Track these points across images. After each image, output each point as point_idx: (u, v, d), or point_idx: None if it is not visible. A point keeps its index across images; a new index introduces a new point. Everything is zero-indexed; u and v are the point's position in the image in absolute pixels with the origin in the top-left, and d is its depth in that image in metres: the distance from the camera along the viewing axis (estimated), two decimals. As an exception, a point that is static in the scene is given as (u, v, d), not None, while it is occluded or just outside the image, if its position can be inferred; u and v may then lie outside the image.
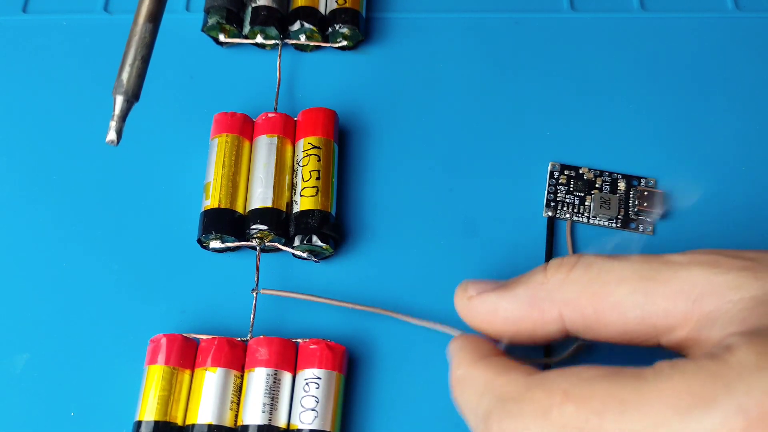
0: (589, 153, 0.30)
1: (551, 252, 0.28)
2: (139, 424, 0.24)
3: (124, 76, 0.21)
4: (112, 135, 0.21)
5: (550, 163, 0.29)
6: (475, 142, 0.30)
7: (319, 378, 0.24)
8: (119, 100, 0.21)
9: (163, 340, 0.25)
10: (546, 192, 0.29)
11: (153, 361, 0.25)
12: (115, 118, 0.21)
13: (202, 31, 0.31)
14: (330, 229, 0.27)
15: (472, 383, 0.20)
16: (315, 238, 0.27)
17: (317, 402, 0.24)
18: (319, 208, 0.27)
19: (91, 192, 0.29)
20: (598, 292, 0.20)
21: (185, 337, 0.25)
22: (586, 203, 0.28)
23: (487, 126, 0.30)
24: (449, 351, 0.22)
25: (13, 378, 0.26)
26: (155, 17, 0.21)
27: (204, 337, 0.26)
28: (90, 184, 0.29)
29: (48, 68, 0.32)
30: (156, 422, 0.24)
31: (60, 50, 0.32)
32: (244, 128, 0.29)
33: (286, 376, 0.25)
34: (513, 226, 0.28)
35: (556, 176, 0.29)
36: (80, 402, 0.26)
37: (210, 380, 0.24)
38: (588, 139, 0.30)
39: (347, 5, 0.31)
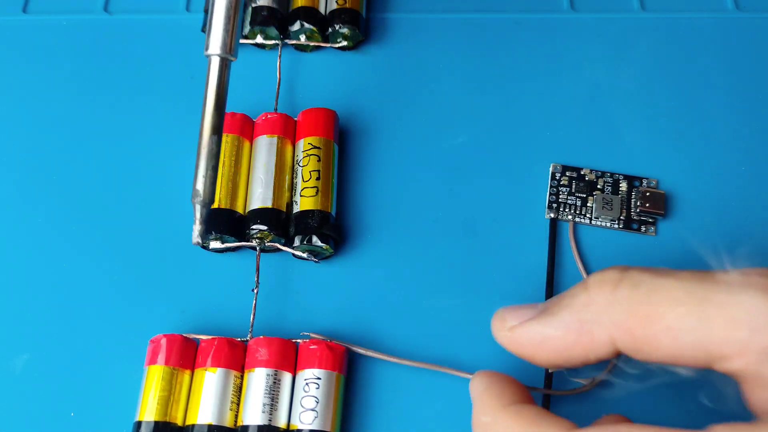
0: (590, 154, 0.30)
1: (554, 253, 0.28)
2: (139, 424, 0.24)
3: (200, 186, 0.23)
4: (197, 239, 0.23)
5: (551, 165, 0.29)
6: (475, 143, 0.30)
7: (319, 378, 0.24)
8: (198, 208, 0.23)
9: (163, 341, 0.25)
10: (548, 193, 0.29)
11: (153, 361, 0.25)
12: (198, 223, 0.23)
13: (202, 31, 0.31)
14: (330, 229, 0.27)
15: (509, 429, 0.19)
16: (315, 239, 0.27)
17: (317, 402, 0.24)
18: (319, 209, 0.27)
19: (90, 192, 0.29)
20: (650, 315, 0.19)
21: (185, 337, 0.25)
22: (588, 204, 0.28)
23: (487, 126, 0.30)
24: (472, 390, 0.21)
25: (13, 378, 0.26)
26: (218, 129, 0.23)
27: (204, 337, 0.26)
28: (90, 184, 0.29)
29: (48, 68, 0.32)
30: (156, 422, 0.24)
31: (60, 50, 0.32)
32: (244, 128, 0.29)
33: (286, 377, 0.25)
34: (514, 227, 0.28)
35: (557, 177, 0.29)
36: (80, 402, 0.26)
37: (210, 380, 0.24)
38: (589, 139, 0.30)
39: (347, 5, 0.31)
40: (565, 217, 0.28)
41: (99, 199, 0.29)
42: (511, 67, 0.32)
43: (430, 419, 0.25)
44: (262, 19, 0.31)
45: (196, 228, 0.23)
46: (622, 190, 0.29)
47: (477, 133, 0.30)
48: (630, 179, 0.29)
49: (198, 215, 0.23)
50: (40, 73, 0.32)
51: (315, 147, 0.28)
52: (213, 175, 0.23)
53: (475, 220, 0.28)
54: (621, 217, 0.28)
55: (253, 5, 0.31)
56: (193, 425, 0.24)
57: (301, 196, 0.27)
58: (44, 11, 0.33)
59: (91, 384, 0.26)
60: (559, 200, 0.28)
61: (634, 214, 0.28)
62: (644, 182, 0.29)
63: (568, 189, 0.29)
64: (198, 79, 0.31)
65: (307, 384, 0.24)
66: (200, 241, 0.23)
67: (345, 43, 0.31)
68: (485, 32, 0.32)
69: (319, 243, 0.27)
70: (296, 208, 0.27)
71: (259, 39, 0.31)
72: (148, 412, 0.24)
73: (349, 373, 0.26)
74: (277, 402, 0.24)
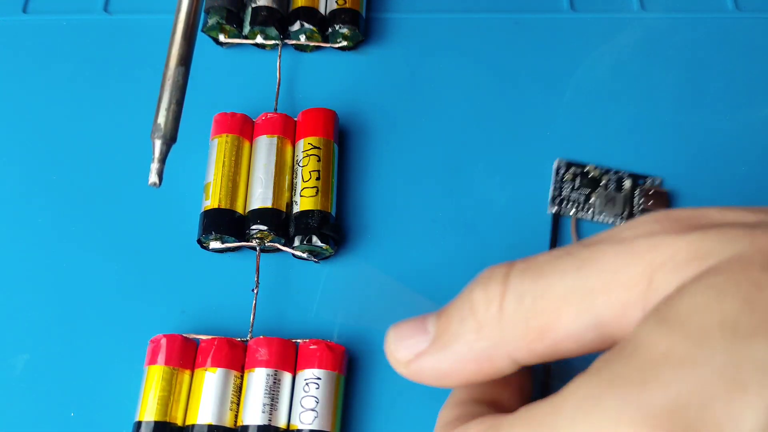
0: (591, 152, 0.30)
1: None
2: (139, 424, 0.24)
3: (161, 120, 0.21)
4: (154, 178, 0.21)
5: (556, 160, 0.29)
6: (475, 142, 0.30)
7: (319, 378, 0.24)
8: (158, 143, 0.21)
9: (163, 341, 0.25)
10: (551, 189, 0.29)
11: (153, 361, 0.25)
12: (156, 160, 0.21)
13: (202, 31, 0.31)
14: (330, 229, 0.27)
15: None
16: (315, 239, 0.27)
17: (317, 402, 0.24)
18: (319, 209, 0.27)
19: (90, 192, 0.29)
20: (542, 328, 0.17)
21: (185, 337, 0.25)
22: (591, 200, 0.28)
23: (487, 126, 0.30)
24: None
25: (13, 378, 0.26)
26: (186, 60, 0.21)
27: (204, 337, 0.26)
28: (89, 184, 0.30)
29: (48, 68, 0.32)
30: (156, 423, 0.24)
31: (60, 50, 0.32)
32: (244, 128, 0.29)
33: (286, 377, 0.25)
34: (515, 226, 0.28)
35: (561, 173, 0.29)
36: (80, 402, 0.26)
37: (210, 380, 0.24)
38: (590, 138, 0.30)
39: (347, 5, 0.31)
40: (567, 213, 0.28)
41: (99, 199, 0.29)
42: (511, 67, 0.32)
43: (430, 419, 0.25)
44: (262, 19, 0.31)
45: (154, 166, 0.21)
46: (625, 188, 0.28)
47: (477, 132, 0.30)
48: (634, 177, 0.29)
49: (157, 152, 0.21)
50: (40, 73, 0.32)
51: (315, 147, 0.28)
52: (177, 109, 0.21)
53: (475, 220, 0.28)
54: (623, 214, 0.28)
55: (253, 5, 0.31)
56: (193, 425, 0.24)
57: (301, 196, 0.27)
58: (44, 11, 0.33)
59: (91, 384, 0.26)
60: (562, 194, 0.28)
61: (636, 212, 0.28)
62: (648, 180, 0.29)
63: (571, 185, 0.28)
64: (198, 79, 0.31)
65: (307, 384, 0.24)
66: (157, 181, 0.21)
67: (345, 43, 0.32)
68: (485, 32, 0.32)
69: (319, 243, 0.27)
70: (296, 208, 0.27)
71: (259, 39, 0.31)
72: (148, 412, 0.24)
73: (349, 373, 0.26)
74: (277, 402, 0.24)
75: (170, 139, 0.21)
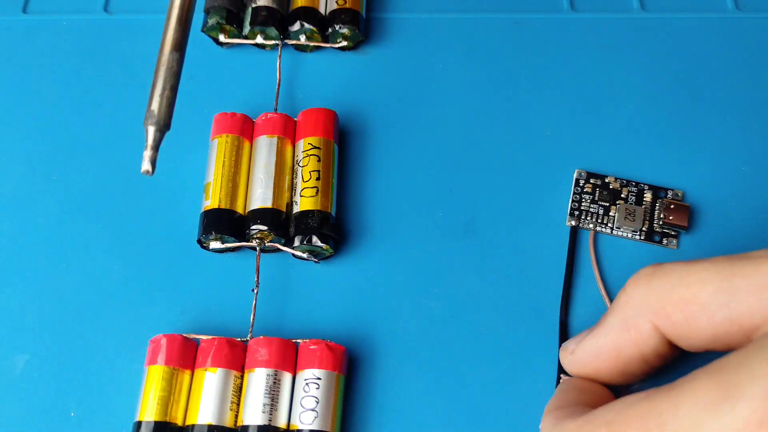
0: (591, 154, 0.30)
1: (573, 262, 0.27)
2: (139, 424, 0.24)
3: (155, 106, 0.21)
4: (146, 165, 0.20)
5: (576, 171, 0.29)
6: (475, 142, 0.30)
7: (319, 378, 0.24)
8: (151, 130, 0.21)
9: (163, 341, 0.25)
10: (570, 200, 0.28)
11: (153, 361, 0.25)
12: (149, 148, 0.21)
13: (202, 31, 0.31)
14: (330, 229, 0.27)
15: None
16: (315, 239, 0.27)
17: (317, 402, 0.24)
18: (318, 209, 0.27)
19: (91, 192, 0.29)
20: (684, 297, 0.20)
21: (185, 337, 0.25)
22: (611, 213, 0.28)
23: (486, 126, 0.30)
24: None
25: (13, 378, 0.26)
26: (181, 46, 0.21)
27: (204, 337, 0.26)
28: (90, 184, 0.30)
29: (48, 68, 0.32)
30: (156, 423, 0.24)
31: (60, 50, 0.32)
32: (244, 128, 0.29)
33: (286, 377, 0.25)
34: (515, 228, 0.28)
35: (581, 184, 0.28)
36: (80, 402, 0.26)
37: (210, 381, 0.24)
38: (588, 139, 0.30)
39: (347, 5, 0.31)
40: (586, 226, 0.28)
41: (99, 199, 0.29)
42: (511, 67, 0.32)
43: (430, 419, 0.25)
44: (262, 19, 0.31)
45: (147, 154, 0.21)
46: (646, 201, 0.28)
47: (476, 132, 0.30)
48: (655, 189, 0.28)
49: (150, 139, 0.21)
50: (40, 73, 0.32)
51: (315, 147, 0.28)
52: (171, 96, 0.21)
53: (476, 220, 0.28)
54: (643, 229, 0.28)
55: (253, 5, 0.31)
56: (193, 425, 0.24)
57: (301, 196, 0.27)
58: (44, 11, 0.33)
59: (91, 384, 0.26)
60: (581, 208, 0.28)
61: (656, 225, 0.28)
62: (670, 193, 0.28)
63: (591, 196, 0.28)
64: (198, 79, 0.31)
65: (307, 384, 0.24)
66: (150, 168, 0.21)
67: (345, 43, 0.31)
68: (485, 32, 0.32)
69: (319, 243, 0.27)
70: (296, 209, 0.27)
71: (259, 39, 0.31)
72: (148, 412, 0.24)
73: (349, 373, 0.26)
74: (277, 402, 0.24)
75: (164, 126, 0.21)
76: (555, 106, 0.31)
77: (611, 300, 0.26)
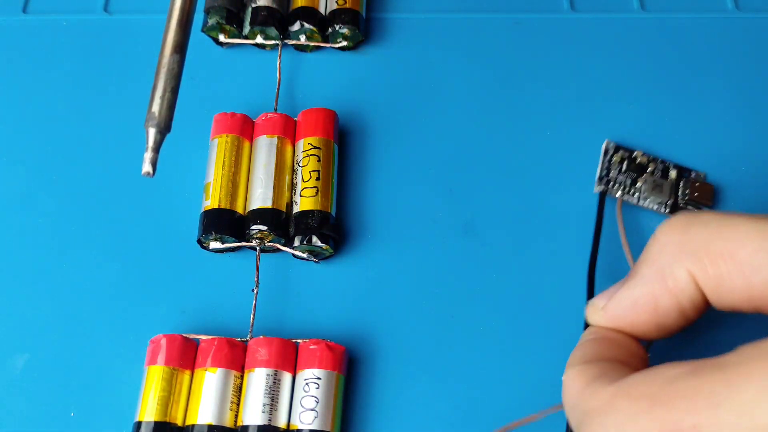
0: (592, 154, 0.30)
1: (600, 229, 0.27)
2: (139, 424, 0.24)
3: (155, 108, 0.21)
4: (147, 167, 0.20)
5: (605, 141, 0.29)
6: (475, 142, 0.30)
7: (319, 378, 0.24)
8: (152, 132, 0.21)
9: (163, 341, 0.25)
10: (599, 168, 0.28)
11: (153, 361, 0.25)
12: (149, 149, 0.21)
13: (202, 31, 0.31)
14: (330, 229, 0.27)
15: (567, 392, 0.20)
16: (315, 239, 0.27)
17: (317, 402, 0.24)
18: (318, 209, 0.27)
19: (90, 192, 0.29)
20: (722, 252, 0.18)
21: (185, 337, 0.25)
22: (638, 185, 0.28)
23: (486, 126, 0.30)
24: None
25: (13, 378, 0.26)
26: (181, 48, 0.21)
27: (204, 337, 0.26)
28: (90, 184, 0.30)
29: (48, 68, 0.32)
30: (156, 423, 0.24)
31: (60, 50, 0.32)
32: (244, 128, 0.29)
33: (286, 377, 0.25)
34: (514, 227, 0.28)
35: (609, 155, 0.28)
36: (80, 402, 0.26)
37: (210, 381, 0.24)
38: (588, 139, 0.30)
39: (347, 5, 0.31)
40: (613, 194, 0.28)
41: (99, 199, 0.29)
42: (511, 67, 0.32)
43: (430, 419, 0.25)
44: (262, 19, 0.31)
45: (148, 155, 0.21)
46: (671, 177, 0.28)
47: (476, 132, 0.30)
48: (680, 169, 0.29)
49: (151, 141, 0.21)
50: (40, 73, 0.32)
51: (315, 147, 0.28)
52: (172, 98, 0.21)
53: (475, 220, 0.28)
54: (668, 202, 0.28)
55: (253, 5, 0.31)
56: (193, 425, 0.24)
57: (301, 196, 0.27)
58: (44, 11, 0.33)
59: (91, 384, 0.26)
60: (609, 175, 0.28)
61: (681, 201, 0.28)
62: (693, 174, 0.29)
63: (619, 168, 0.28)
64: (198, 79, 0.31)
65: (307, 384, 0.24)
66: (151, 170, 0.21)
67: (345, 43, 0.31)
68: (485, 32, 0.32)
69: (319, 243, 0.27)
70: (296, 209, 0.27)
71: (259, 39, 0.31)
72: (148, 412, 0.24)
73: (349, 373, 0.26)
74: (277, 402, 0.24)
75: (164, 128, 0.21)
76: (554, 105, 0.31)
77: None
